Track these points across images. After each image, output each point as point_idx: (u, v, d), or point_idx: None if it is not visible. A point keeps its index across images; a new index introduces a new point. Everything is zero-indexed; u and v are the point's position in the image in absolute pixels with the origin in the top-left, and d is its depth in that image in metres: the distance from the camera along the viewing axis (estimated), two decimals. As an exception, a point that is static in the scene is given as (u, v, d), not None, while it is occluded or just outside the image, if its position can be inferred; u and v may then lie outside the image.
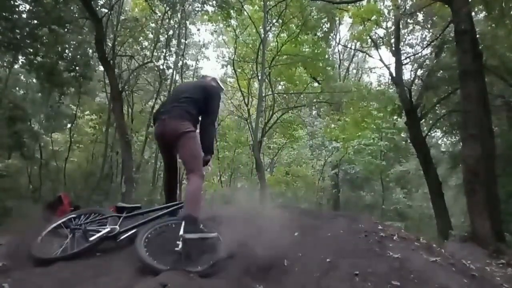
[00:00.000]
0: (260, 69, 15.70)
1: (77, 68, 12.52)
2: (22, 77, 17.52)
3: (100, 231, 3.27)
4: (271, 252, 3.21)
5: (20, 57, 13.47)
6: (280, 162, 22.41)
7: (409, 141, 16.36)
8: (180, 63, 18.97)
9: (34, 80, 15.15)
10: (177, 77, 19.57)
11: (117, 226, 3.37)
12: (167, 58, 17.74)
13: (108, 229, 3.30)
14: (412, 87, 14.88)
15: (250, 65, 18.11)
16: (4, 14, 10.20)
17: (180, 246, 2.96)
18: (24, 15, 11.25)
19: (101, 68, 14.84)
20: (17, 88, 17.74)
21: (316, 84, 19.50)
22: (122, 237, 3.33)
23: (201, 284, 2.57)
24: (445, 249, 4.05)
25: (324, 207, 19.04)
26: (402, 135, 18.50)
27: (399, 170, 18.69)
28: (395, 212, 17.20)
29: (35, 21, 11.19)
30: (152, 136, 18.82)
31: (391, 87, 18.02)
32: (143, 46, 17.64)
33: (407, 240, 3.56)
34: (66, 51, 12.66)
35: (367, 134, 16.23)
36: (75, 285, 2.60)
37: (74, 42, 12.75)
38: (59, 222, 3.57)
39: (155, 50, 16.87)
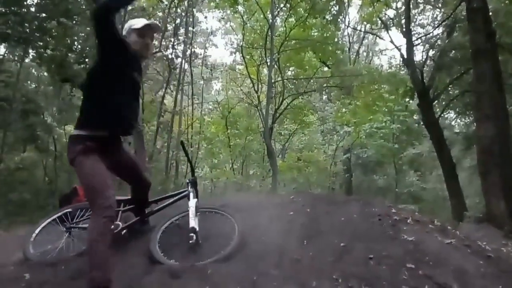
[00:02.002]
0: (269, 55, 15.59)
1: (86, 60, 12.58)
2: (33, 71, 17.68)
3: None
4: (285, 238, 3.23)
5: (30, 50, 13.61)
6: (291, 148, 22.38)
7: (422, 123, 16.17)
8: (189, 51, 18.95)
9: (45, 74, 15.27)
10: (186, 66, 19.58)
11: (119, 222, 3.15)
12: (175, 47, 17.73)
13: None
14: (424, 68, 14.67)
15: (259, 51, 17.98)
16: (13, 8, 10.28)
17: (193, 239, 2.91)
18: (33, 9, 11.32)
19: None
20: (28, 82, 17.94)
21: (326, 69, 19.32)
22: (124, 232, 3.18)
23: (215, 272, 2.60)
24: (460, 231, 4.04)
25: (337, 192, 19.03)
26: (415, 117, 18.28)
27: (412, 152, 18.53)
28: (408, 195, 17.10)
29: (44, 14, 11.26)
30: (164, 126, 18.97)
31: (402, 69, 17.78)
32: (151, 36, 17.60)
33: (422, 223, 3.55)
34: (75, 43, 12.74)
35: (378, 117, 16.07)
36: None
37: (83, 34, 12.81)
38: (52, 218, 3.41)
39: (163, 40, 16.83)
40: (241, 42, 18.07)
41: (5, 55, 15.49)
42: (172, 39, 17.44)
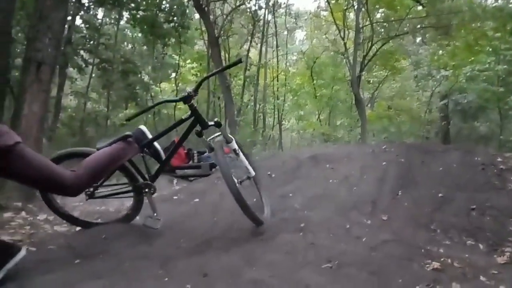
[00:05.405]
0: (356, -2, 14.70)
1: (175, 18, 13.03)
2: (128, 32, 18.82)
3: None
4: (378, 188, 3.19)
5: (124, 13, 14.49)
6: (381, 96, 21.41)
7: (533, 61, 14.30)
8: (272, 1, 18.58)
9: (139, 34, 16.17)
10: (270, 17, 19.31)
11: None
12: (258, -3, 17.53)
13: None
14: (540, -2, 12.75)
15: (345, -6, 17.02)
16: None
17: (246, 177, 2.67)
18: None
19: (197, 16, 15.23)
20: (125, 43, 19.19)
21: (420, 8, 17.71)
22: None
23: (305, 219, 2.67)
24: None
25: (432, 141, 17.98)
26: (525, 56, 16.21)
27: (521, 95, 16.64)
28: (515, 142, 15.57)
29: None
30: (250, 79, 19.22)
31: (511, 1, 15.65)
32: (235, -12, 17.57)
33: (532, 172, 3.25)
34: (164, 2, 13.17)
35: (481, 58, 14.51)
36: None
37: (170, -8, 13.20)
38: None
39: (246, -9, 16.71)
40: (325, -15, 17.21)
41: (103, 19, 16.62)
42: (255, -10, 17.25)
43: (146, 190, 2.79)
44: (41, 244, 2.62)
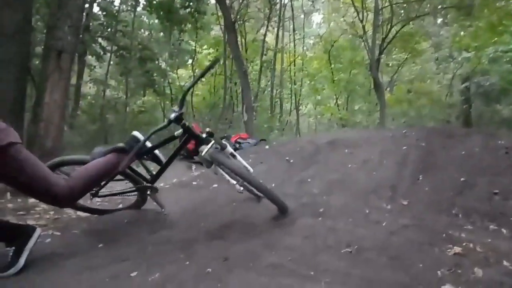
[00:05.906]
0: (375, -22, 14.34)
1: (191, 3, 12.96)
2: (145, 19, 18.85)
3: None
4: (398, 173, 3.16)
5: (140, -1, 14.49)
6: (400, 80, 21.01)
7: (561, 42, 13.76)
8: (288, -16, 18.33)
9: (156, 21, 16.20)
10: (286, 0, 19.05)
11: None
12: (275, -20, 17.27)
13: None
14: None
15: (364, -25, 16.61)
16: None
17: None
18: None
19: (213, 1, 15.12)
20: (142, 30, 19.26)
21: (441, -13, 17.20)
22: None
23: (324, 204, 2.66)
24: None
25: (453, 124, 17.63)
26: (552, 36, 15.60)
27: (547, 77, 16.07)
28: (541, 125, 15.12)
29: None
30: (267, 64, 19.07)
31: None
32: (251, -29, 17.35)
33: (559, 156, 3.15)
34: (180, -14, 13.12)
35: (505, 39, 14.04)
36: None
37: (186, -23, 13.10)
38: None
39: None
40: (343, -34, 16.84)
41: (120, 6, 16.65)
42: (272, -28, 16.98)
43: (148, 192, 2.83)
44: (65, 229, 2.69)
